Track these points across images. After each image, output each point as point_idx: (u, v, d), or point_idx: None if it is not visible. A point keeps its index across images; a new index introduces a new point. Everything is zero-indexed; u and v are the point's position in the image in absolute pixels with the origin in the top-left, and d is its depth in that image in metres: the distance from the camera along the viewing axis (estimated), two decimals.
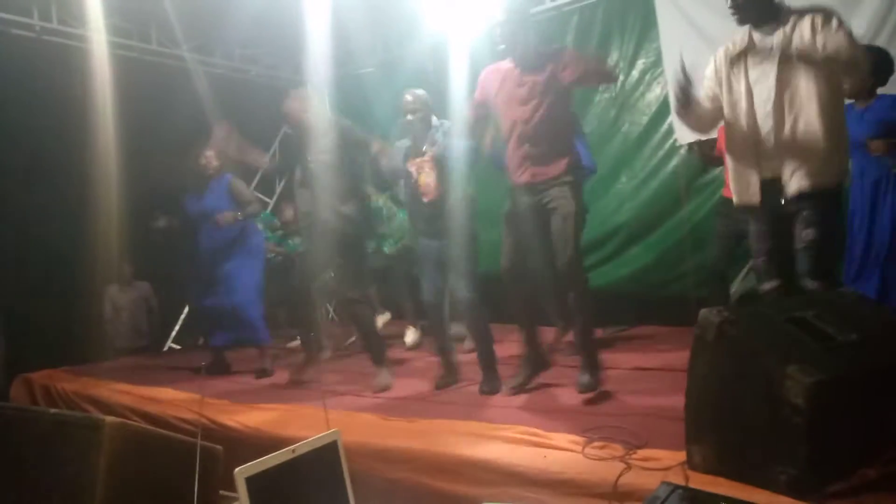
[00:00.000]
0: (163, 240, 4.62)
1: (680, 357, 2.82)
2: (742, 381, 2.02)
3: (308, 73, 6.64)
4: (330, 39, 5.21)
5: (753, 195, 2.76)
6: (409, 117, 3.64)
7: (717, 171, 4.29)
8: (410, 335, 5.08)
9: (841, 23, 2.58)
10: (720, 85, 2.83)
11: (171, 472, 2.15)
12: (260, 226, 5.44)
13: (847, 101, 3.51)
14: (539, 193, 3.14)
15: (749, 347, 2.02)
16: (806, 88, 2.60)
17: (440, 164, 3.54)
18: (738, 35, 2.79)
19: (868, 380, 1.99)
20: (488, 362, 3.50)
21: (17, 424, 2.30)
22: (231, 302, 4.40)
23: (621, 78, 5.31)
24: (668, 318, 4.67)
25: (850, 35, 2.58)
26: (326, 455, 1.77)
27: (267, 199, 7.03)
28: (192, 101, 5.46)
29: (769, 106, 2.67)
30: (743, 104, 2.74)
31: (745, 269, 4.49)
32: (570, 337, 4.19)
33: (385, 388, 3.70)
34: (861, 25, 4.10)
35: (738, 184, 2.82)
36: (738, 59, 2.76)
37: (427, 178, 3.58)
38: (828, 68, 2.58)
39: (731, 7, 2.72)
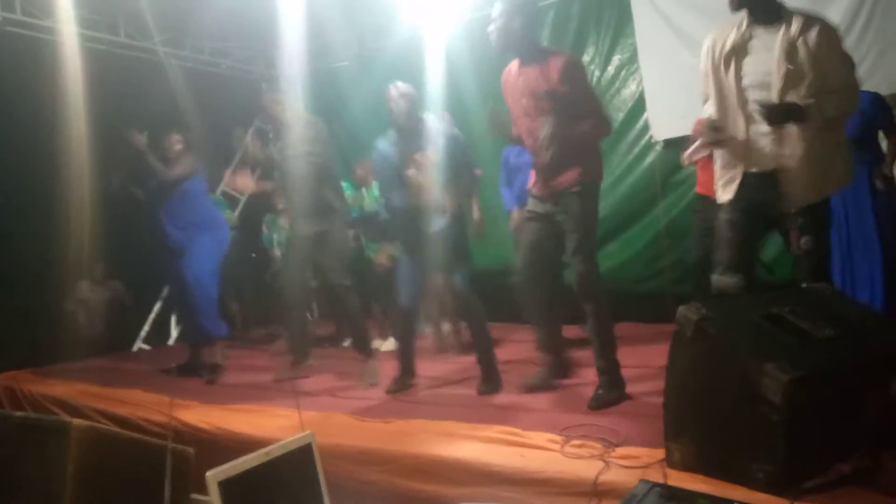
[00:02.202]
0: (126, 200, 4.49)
1: (658, 354, 2.83)
2: (720, 378, 2.02)
3: (281, 66, 6.60)
4: (304, 32, 5.15)
5: (732, 190, 2.69)
6: (396, 113, 3.45)
7: (692, 167, 4.31)
8: (388, 343, 5.05)
9: (841, 44, 2.53)
10: (708, 74, 2.72)
11: (142, 476, 2.09)
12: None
13: None
14: (551, 203, 3.06)
15: (727, 344, 2.02)
16: (804, 93, 2.48)
17: (438, 166, 3.36)
18: (734, 26, 2.63)
19: (843, 375, 2.00)
20: (488, 363, 3.44)
21: None
22: (188, 281, 4.35)
23: (597, 73, 5.33)
24: (646, 316, 4.68)
25: (850, 61, 2.54)
26: (301, 458, 1.73)
27: (238, 196, 6.92)
28: (162, 95, 5.35)
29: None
30: (734, 98, 2.63)
31: None
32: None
33: (373, 382, 3.69)
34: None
35: (723, 176, 2.74)
36: (732, 51, 2.61)
37: (423, 179, 3.37)
38: (823, 82, 2.49)
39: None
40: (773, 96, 2.52)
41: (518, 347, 4.32)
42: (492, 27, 3.01)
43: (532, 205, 3.16)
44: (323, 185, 3.85)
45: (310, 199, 3.83)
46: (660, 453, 2.18)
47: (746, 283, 2.66)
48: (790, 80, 2.49)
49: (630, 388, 3.11)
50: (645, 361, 3.57)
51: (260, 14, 5.00)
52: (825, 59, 2.49)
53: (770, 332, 2.09)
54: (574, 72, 2.98)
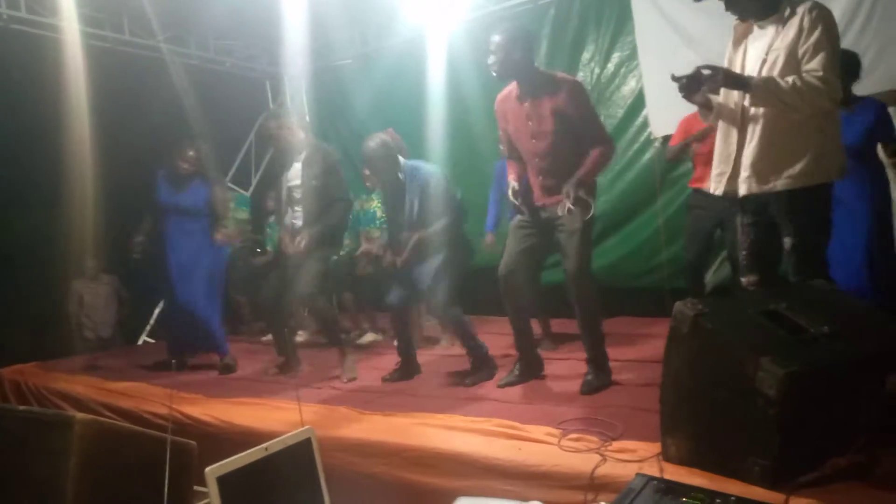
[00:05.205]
0: (141, 254, 4.45)
1: (655, 349, 2.85)
2: (716, 372, 2.03)
3: (284, 64, 6.63)
4: (307, 30, 5.17)
5: (723, 184, 2.66)
6: (369, 173, 3.71)
7: (690, 163, 4.31)
8: (368, 336, 5.13)
9: (826, 32, 2.44)
10: (728, 61, 2.70)
11: (144, 469, 2.11)
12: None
13: None
14: (549, 211, 3.16)
15: (723, 340, 2.03)
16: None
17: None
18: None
19: (839, 370, 2.01)
20: (477, 357, 3.58)
21: None
22: (192, 309, 4.36)
23: (597, 71, 5.34)
24: (644, 310, 4.70)
25: (831, 54, 2.43)
26: (300, 453, 1.74)
27: (243, 192, 6.94)
28: (166, 93, 5.38)
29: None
30: (734, 94, 2.61)
31: (717, 262, 4.53)
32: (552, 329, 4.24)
33: (352, 378, 3.77)
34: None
35: (717, 167, 2.71)
36: (739, 38, 2.64)
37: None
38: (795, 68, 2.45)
39: (726, 5, 2.58)
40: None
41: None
42: (492, 59, 3.06)
43: (531, 213, 3.24)
44: (321, 213, 3.88)
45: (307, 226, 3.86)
46: (656, 447, 2.19)
47: (765, 281, 2.65)
48: (774, 68, 2.48)
49: (628, 382, 3.15)
50: (643, 355, 3.60)
51: (263, 12, 5.02)
52: (800, 44, 2.44)
53: (766, 328, 2.09)
54: (580, 94, 3.12)
